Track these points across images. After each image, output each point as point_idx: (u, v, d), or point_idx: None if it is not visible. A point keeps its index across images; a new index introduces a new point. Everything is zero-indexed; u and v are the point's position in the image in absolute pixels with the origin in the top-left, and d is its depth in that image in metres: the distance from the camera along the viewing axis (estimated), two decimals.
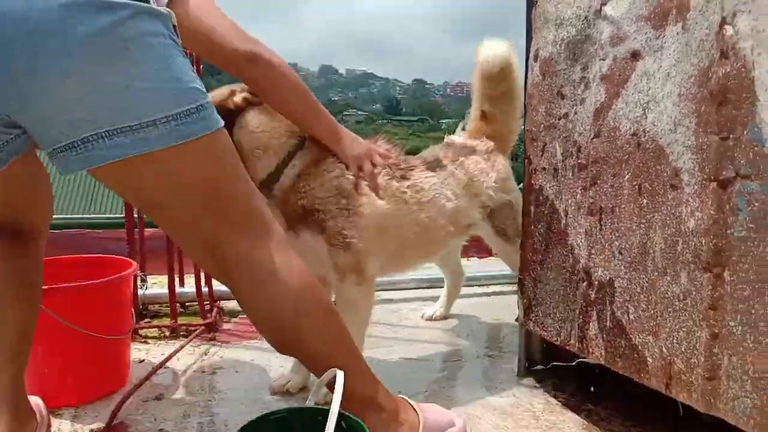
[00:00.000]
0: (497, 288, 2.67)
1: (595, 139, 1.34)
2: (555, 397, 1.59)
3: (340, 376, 0.89)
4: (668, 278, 1.18)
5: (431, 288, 2.50)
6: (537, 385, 1.66)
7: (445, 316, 2.25)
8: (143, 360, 1.81)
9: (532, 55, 1.54)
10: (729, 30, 1.02)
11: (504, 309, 2.26)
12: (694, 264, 1.12)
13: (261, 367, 1.78)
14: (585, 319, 1.40)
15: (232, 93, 1.53)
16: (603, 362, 1.36)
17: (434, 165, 1.76)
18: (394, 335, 2.08)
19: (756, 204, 1.00)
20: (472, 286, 2.62)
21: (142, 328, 1.98)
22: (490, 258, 3.67)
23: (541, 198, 1.54)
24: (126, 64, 0.89)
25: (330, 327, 1.13)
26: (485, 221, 1.85)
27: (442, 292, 2.28)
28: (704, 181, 1.08)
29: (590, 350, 1.39)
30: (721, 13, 1.03)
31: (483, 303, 2.44)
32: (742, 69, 1.00)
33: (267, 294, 1.06)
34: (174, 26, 0.98)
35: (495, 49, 1.85)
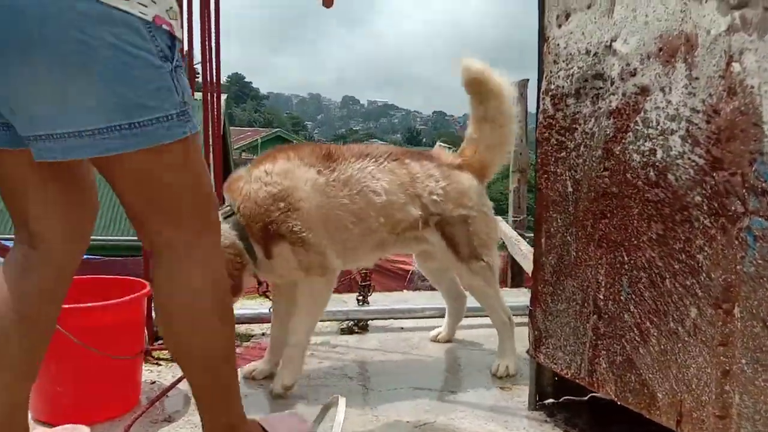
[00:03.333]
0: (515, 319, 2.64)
1: (605, 173, 1.34)
2: (565, 431, 1.56)
3: (342, 401, 0.90)
4: (678, 313, 1.17)
5: (443, 317, 2.49)
6: (548, 419, 1.63)
7: (448, 339, 2.28)
8: (155, 382, 1.83)
9: (543, 88, 1.57)
10: (736, 67, 1.03)
11: (519, 341, 2.23)
12: (704, 299, 1.11)
13: (270, 390, 1.78)
14: (595, 353, 1.38)
15: None
16: (613, 397, 1.34)
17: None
18: (405, 363, 2.07)
19: (765, 240, 0.99)
20: (487, 316, 2.59)
21: (154, 349, 2.00)
22: (505, 288, 3.65)
23: (552, 230, 1.54)
24: (86, 73, 0.94)
25: (228, 336, 1.19)
26: (433, 230, 1.91)
27: (446, 316, 2.31)
28: (713, 216, 1.08)
29: (600, 385, 1.37)
30: (729, 51, 1.04)
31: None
32: (750, 105, 1.01)
33: (184, 281, 1.12)
34: (151, 29, 1.00)
35: (467, 62, 1.96)
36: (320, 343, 2.24)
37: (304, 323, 1.77)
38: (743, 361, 1.04)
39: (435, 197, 1.89)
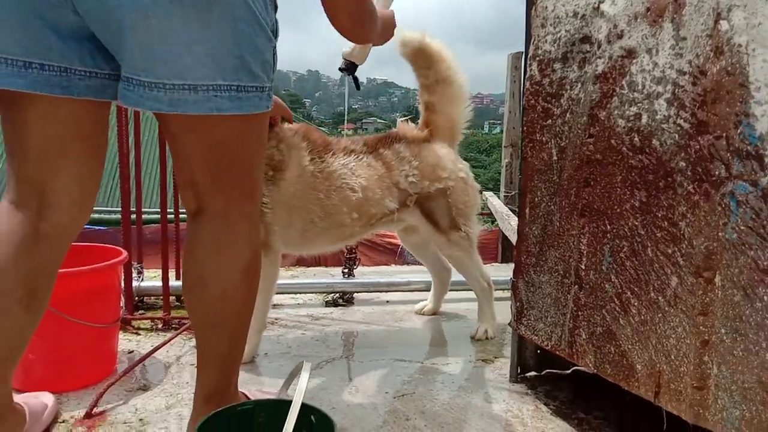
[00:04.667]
0: (500, 294, 2.62)
1: (589, 139, 1.30)
2: (546, 404, 1.54)
3: (306, 367, 0.87)
4: (659, 282, 1.14)
5: (429, 290, 2.46)
6: (528, 391, 1.62)
7: (434, 312, 2.28)
8: (133, 351, 1.80)
9: (530, 54, 1.52)
10: (724, 25, 0.99)
11: (505, 314, 2.22)
12: (685, 268, 1.08)
13: (248, 361, 1.76)
14: (575, 324, 1.36)
15: None
16: (592, 368, 1.31)
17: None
18: (388, 336, 2.05)
19: (748, 205, 0.96)
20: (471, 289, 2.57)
21: (134, 319, 1.98)
22: (495, 263, 3.63)
23: (536, 199, 1.50)
24: (230, 30, 0.95)
25: (253, 307, 1.18)
26: (414, 208, 1.92)
27: (431, 289, 2.30)
28: (697, 182, 1.05)
29: (580, 356, 1.35)
30: (717, 8, 1.00)
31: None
32: (737, 65, 0.96)
33: (231, 253, 1.10)
34: (271, 3, 1.03)
35: (404, 36, 1.92)
36: (304, 315, 2.22)
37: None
38: (722, 330, 1.01)
39: (411, 179, 1.90)
